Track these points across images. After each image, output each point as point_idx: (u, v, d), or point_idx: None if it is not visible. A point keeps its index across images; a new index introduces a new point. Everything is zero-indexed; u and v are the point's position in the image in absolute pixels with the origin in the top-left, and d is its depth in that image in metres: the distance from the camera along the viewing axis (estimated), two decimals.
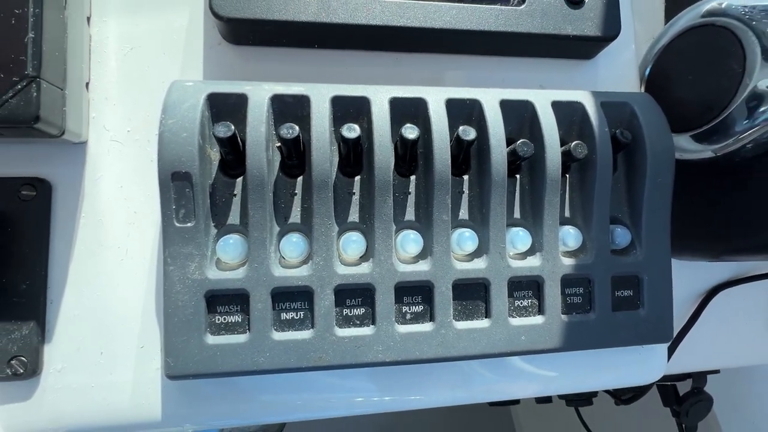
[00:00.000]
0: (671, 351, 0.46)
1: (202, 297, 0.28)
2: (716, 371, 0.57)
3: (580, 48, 0.37)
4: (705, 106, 0.35)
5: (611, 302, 0.33)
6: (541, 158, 0.31)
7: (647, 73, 0.39)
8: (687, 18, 0.36)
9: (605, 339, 0.33)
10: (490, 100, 0.32)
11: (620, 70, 0.39)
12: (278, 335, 0.29)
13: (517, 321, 0.31)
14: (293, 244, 0.29)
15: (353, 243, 0.30)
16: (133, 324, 0.31)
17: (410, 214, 0.31)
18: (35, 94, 0.25)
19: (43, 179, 0.30)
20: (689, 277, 0.48)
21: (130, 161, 0.32)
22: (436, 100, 0.31)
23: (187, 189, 0.28)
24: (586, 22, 0.35)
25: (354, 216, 0.31)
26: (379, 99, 0.30)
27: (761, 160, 0.35)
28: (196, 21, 0.34)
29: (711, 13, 0.34)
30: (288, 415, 0.32)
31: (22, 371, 0.29)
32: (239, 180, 0.30)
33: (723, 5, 0.34)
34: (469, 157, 0.32)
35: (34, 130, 0.26)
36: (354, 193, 0.31)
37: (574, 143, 0.31)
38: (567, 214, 0.33)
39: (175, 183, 0.28)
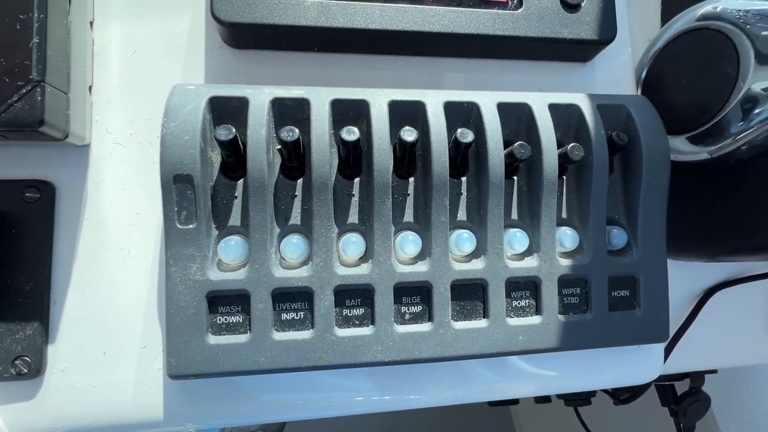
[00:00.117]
0: (669, 351, 0.46)
1: (203, 297, 0.28)
2: (714, 371, 0.57)
3: (577, 51, 0.37)
4: (700, 109, 0.35)
5: (608, 302, 0.33)
6: (538, 160, 0.32)
7: (643, 75, 0.39)
8: (682, 21, 0.36)
9: (602, 339, 0.33)
10: (488, 102, 0.32)
11: (617, 72, 0.39)
12: (279, 335, 0.29)
13: (514, 321, 0.32)
14: (293, 246, 0.29)
15: (353, 244, 0.30)
16: (135, 324, 0.31)
17: (409, 216, 0.32)
18: (40, 98, 0.26)
19: (46, 181, 0.31)
20: (687, 277, 0.48)
21: (132, 164, 0.32)
22: (434, 102, 0.31)
23: (188, 191, 0.28)
24: (582, 26, 0.36)
25: (353, 217, 0.31)
26: (378, 102, 0.31)
27: (756, 162, 0.35)
28: (198, 25, 0.34)
29: (706, 17, 0.35)
30: (288, 414, 0.33)
31: (26, 371, 0.29)
32: (240, 182, 0.30)
33: (718, 9, 0.34)
34: (467, 159, 0.33)
35: (38, 133, 0.27)
36: (353, 195, 0.31)
37: (570, 145, 0.31)
38: (564, 215, 0.34)
39: (177, 185, 0.28)
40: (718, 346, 0.50)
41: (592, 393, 0.64)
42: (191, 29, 0.34)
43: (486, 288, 0.31)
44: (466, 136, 0.30)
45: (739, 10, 0.33)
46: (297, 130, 0.28)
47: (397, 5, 0.33)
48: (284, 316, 0.29)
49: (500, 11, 0.35)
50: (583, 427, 0.79)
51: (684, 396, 0.58)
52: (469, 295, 0.32)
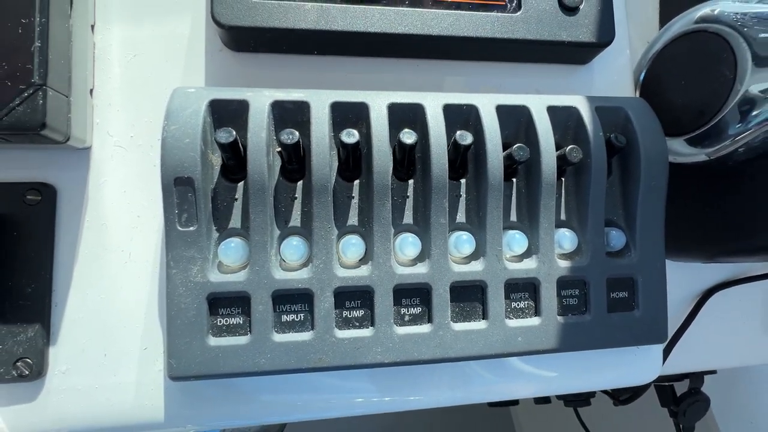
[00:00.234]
0: (668, 352, 0.47)
1: (204, 299, 0.28)
2: (713, 371, 0.57)
3: (576, 54, 0.38)
4: (698, 111, 0.35)
5: (606, 304, 0.33)
6: (537, 162, 0.32)
7: (641, 78, 0.40)
8: (680, 24, 0.37)
9: (601, 340, 0.33)
10: (487, 105, 0.32)
11: (615, 75, 0.40)
12: (279, 337, 0.29)
13: (513, 322, 0.32)
14: (293, 248, 0.30)
15: (352, 246, 0.30)
16: (136, 326, 0.31)
17: (408, 218, 0.32)
18: (41, 101, 0.26)
19: (48, 184, 0.31)
20: (686, 278, 0.48)
21: (133, 166, 0.32)
22: (433, 105, 0.31)
23: (189, 193, 0.28)
24: (581, 29, 0.36)
25: (353, 219, 0.31)
26: (378, 104, 0.31)
27: (753, 164, 0.35)
28: (198, 28, 0.34)
29: (703, 20, 0.35)
30: (289, 415, 0.33)
31: (27, 373, 0.29)
32: (240, 184, 0.30)
33: (715, 12, 0.34)
34: (466, 161, 0.33)
35: (40, 136, 0.27)
36: (353, 197, 0.31)
37: (569, 147, 0.32)
38: (563, 217, 0.34)
39: (177, 188, 0.28)
40: (717, 346, 0.50)
41: (592, 394, 0.64)
42: (192, 32, 0.34)
43: (485, 289, 0.31)
44: (465, 138, 0.30)
45: (737, 13, 0.33)
46: (297, 133, 0.28)
47: (396, 8, 0.33)
48: (284, 317, 0.30)
49: (499, 14, 0.35)
50: (583, 428, 0.79)
51: (683, 396, 0.58)
52: (469, 296, 0.32)
